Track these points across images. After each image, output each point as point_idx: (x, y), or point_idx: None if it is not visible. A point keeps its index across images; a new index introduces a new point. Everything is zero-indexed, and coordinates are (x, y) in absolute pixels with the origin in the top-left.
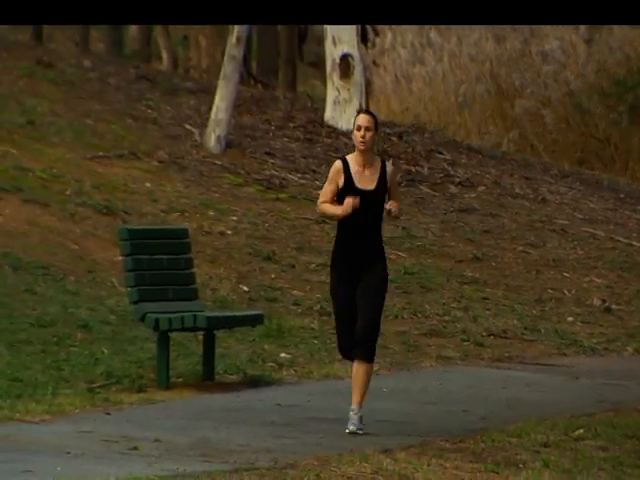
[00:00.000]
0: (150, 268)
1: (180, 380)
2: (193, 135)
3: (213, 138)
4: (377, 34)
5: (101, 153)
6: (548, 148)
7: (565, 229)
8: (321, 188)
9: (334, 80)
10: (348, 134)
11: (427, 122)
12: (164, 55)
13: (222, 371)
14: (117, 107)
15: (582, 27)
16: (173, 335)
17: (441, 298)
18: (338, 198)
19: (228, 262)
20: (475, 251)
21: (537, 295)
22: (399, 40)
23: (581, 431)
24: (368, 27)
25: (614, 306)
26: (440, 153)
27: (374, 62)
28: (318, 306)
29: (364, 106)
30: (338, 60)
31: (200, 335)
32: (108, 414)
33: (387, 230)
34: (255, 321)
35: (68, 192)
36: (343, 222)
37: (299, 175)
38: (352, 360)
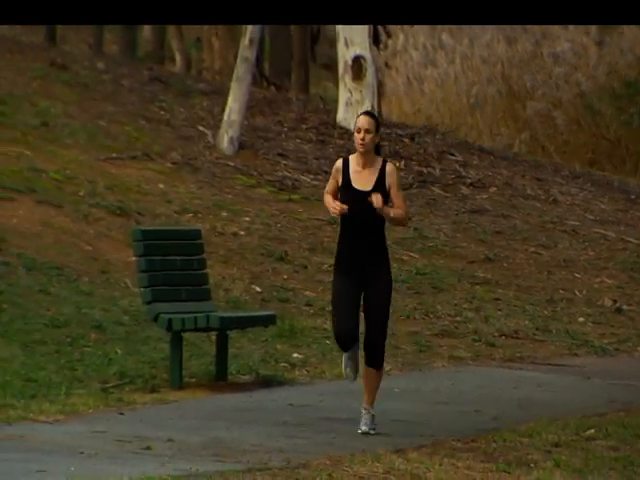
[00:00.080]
0: (163, 269)
1: (193, 380)
2: (206, 136)
3: (226, 139)
4: (389, 36)
5: (114, 154)
6: (559, 149)
7: (576, 230)
8: None
9: (346, 82)
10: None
11: (439, 123)
12: (177, 57)
13: (235, 371)
14: (130, 109)
15: (593, 29)
16: (186, 335)
17: (453, 299)
18: (340, 195)
19: (241, 263)
20: (487, 252)
21: (548, 296)
22: (411, 42)
23: (592, 431)
24: (380, 29)
25: (625, 307)
26: (452, 154)
27: (386, 64)
28: (330, 307)
29: (376, 108)
30: (350, 62)
31: (213, 335)
32: (121, 414)
33: (399, 231)
34: (268, 321)
35: (82, 193)
36: (344, 222)
37: (311, 176)
38: (346, 349)
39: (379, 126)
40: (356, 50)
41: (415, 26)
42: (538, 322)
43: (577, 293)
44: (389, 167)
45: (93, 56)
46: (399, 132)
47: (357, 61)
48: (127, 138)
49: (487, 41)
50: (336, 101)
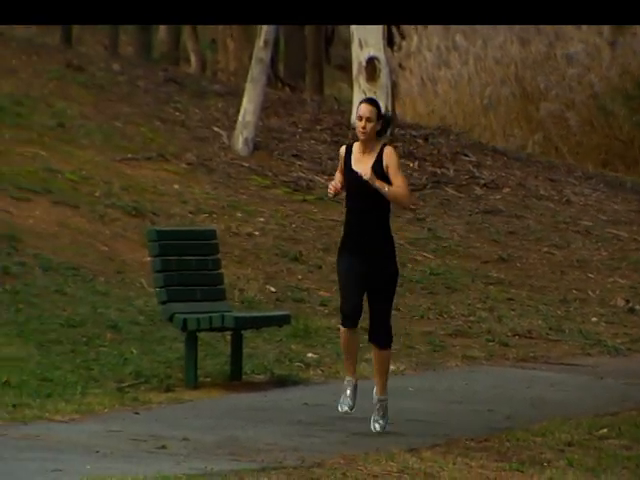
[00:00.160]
0: (178, 269)
1: (208, 380)
2: (221, 137)
3: (241, 140)
4: (403, 37)
5: (130, 155)
6: (572, 150)
7: (589, 230)
8: None
9: (360, 83)
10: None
11: (452, 124)
12: (192, 58)
13: (249, 371)
14: (146, 110)
15: (606, 30)
16: (201, 335)
17: (466, 299)
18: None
19: (255, 263)
20: (500, 252)
21: (561, 296)
22: (425, 43)
23: (605, 430)
24: (394, 30)
25: (638, 307)
26: (465, 155)
27: (400, 65)
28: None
29: (390, 108)
30: (364, 63)
31: (228, 335)
32: (137, 413)
33: (413, 231)
34: (282, 321)
35: (97, 194)
36: (347, 204)
37: (326, 177)
38: (350, 326)
39: (381, 113)
40: (370, 51)
41: (429, 28)
42: (551, 322)
43: (590, 293)
44: (387, 149)
45: (109, 57)
46: (413, 133)
47: (371, 62)
48: (142, 139)
49: (500, 42)
50: (350, 102)
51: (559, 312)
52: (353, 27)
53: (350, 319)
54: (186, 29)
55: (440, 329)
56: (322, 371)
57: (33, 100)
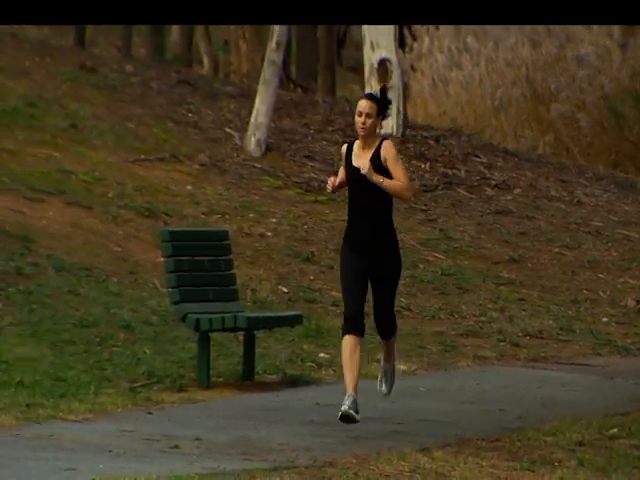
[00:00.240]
0: (191, 269)
1: (220, 380)
2: (233, 138)
3: (253, 141)
4: (415, 39)
5: (143, 156)
6: (583, 151)
7: (600, 231)
8: None
9: (372, 84)
10: (385, 137)
11: (464, 125)
12: (205, 60)
13: (262, 371)
14: (159, 111)
15: (616, 32)
16: (214, 335)
17: (478, 299)
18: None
19: (268, 263)
20: (511, 253)
21: (572, 296)
22: (436, 45)
23: (615, 430)
24: (406, 32)
25: None
26: (477, 156)
27: (412, 66)
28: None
29: (402, 110)
30: (376, 65)
31: (240, 335)
32: (150, 413)
33: (424, 232)
34: (294, 321)
35: (110, 195)
36: (349, 200)
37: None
38: (354, 332)
39: (381, 109)
40: (382, 53)
41: (440, 29)
42: (562, 322)
43: (601, 293)
44: (385, 142)
45: (122, 59)
46: (424, 134)
47: (383, 64)
48: (155, 140)
49: (512, 44)
50: None
51: (570, 312)
52: (365, 29)
53: (354, 324)
54: (199, 31)
55: (451, 329)
56: (334, 371)
57: (46, 101)
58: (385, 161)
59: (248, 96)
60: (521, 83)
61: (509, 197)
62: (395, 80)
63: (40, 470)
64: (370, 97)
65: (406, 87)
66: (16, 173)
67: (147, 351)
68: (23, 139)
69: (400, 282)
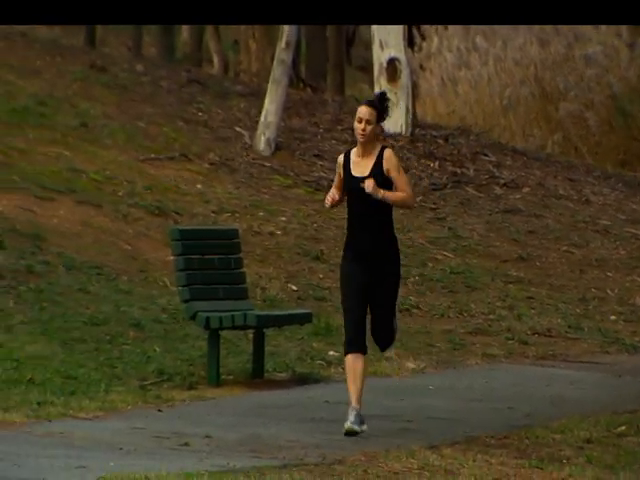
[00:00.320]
0: (201, 268)
1: (230, 377)
2: (243, 137)
3: (263, 140)
4: (424, 38)
5: (153, 155)
6: (591, 150)
7: (608, 229)
8: None
9: (381, 84)
10: (395, 136)
11: (473, 125)
12: (215, 59)
13: (271, 369)
14: (169, 110)
15: (624, 32)
16: (223, 333)
17: (486, 297)
18: (344, 186)
19: (277, 262)
20: (520, 251)
21: (581, 294)
22: (445, 44)
23: (623, 428)
24: (415, 31)
25: None
26: (485, 155)
27: (421, 66)
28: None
29: (410, 109)
30: (385, 64)
31: (250, 333)
32: (160, 411)
33: (433, 230)
34: (304, 320)
35: (121, 193)
36: (348, 210)
37: None
38: (356, 351)
39: (380, 115)
40: (391, 52)
41: (449, 29)
42: (570, 320)
43: (609, 292)
44: (386, 152)
45: (132, 58)
46: (433, 133)
47: (392, 63)
48: (165, 139)
49: (520, 43)
50: None
51: (578, 310)
52: (374, 28)
53: (355, 346)
54: (208, 30)
55: (460, 327)
56: (343, 369)
57: (57, 100)
58: (388, 172)
59: (258, 95)
60: (529, 82)
61: (518, 196)
62: (404, 79)
63: (51, 468)
64: (370, 103)
65: (415, 86)
66: (27, 172)
67: (157, 349)
68: (34, 138)
69: (409, 280)
